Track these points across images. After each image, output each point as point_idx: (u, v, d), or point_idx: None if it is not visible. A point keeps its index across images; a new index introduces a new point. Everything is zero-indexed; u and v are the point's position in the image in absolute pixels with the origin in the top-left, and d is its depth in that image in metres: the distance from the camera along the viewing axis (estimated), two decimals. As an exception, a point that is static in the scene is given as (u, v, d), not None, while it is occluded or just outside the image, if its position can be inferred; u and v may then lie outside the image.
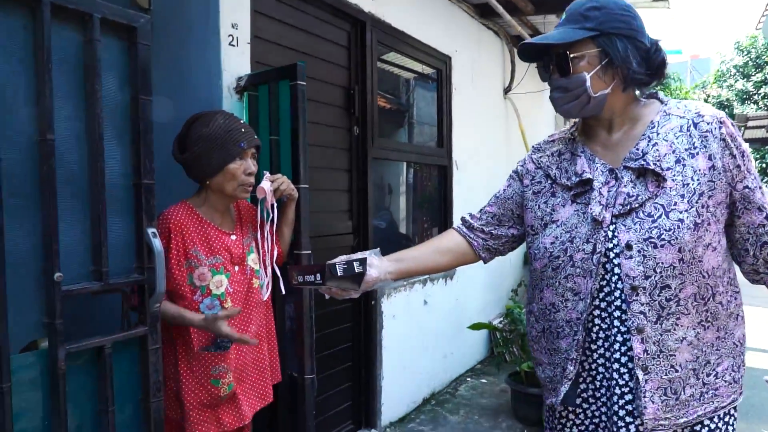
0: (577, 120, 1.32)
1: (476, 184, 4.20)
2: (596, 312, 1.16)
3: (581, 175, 1.19)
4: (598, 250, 1.14)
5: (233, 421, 1.64)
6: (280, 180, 1.77)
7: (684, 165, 1.11)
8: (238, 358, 1.69)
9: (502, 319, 4.11)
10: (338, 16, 2.80)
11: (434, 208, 3.95)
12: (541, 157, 1.30)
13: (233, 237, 1.72)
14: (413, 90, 3.83)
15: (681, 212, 1.09)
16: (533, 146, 1.36)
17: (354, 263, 1.23)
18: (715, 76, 20.01)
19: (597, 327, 1.17)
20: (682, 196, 1.10)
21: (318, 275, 1.25)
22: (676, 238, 1.08)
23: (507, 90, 4.74)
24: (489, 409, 3.46)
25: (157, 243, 1.39)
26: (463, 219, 1.42)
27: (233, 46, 2.08)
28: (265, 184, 1.72)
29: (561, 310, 1.20)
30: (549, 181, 1.26)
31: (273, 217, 1.78)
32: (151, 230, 1.39)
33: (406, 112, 3.77)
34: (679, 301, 1.10)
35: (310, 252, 1.93)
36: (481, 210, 1.41)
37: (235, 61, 2.09)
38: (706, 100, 20.00)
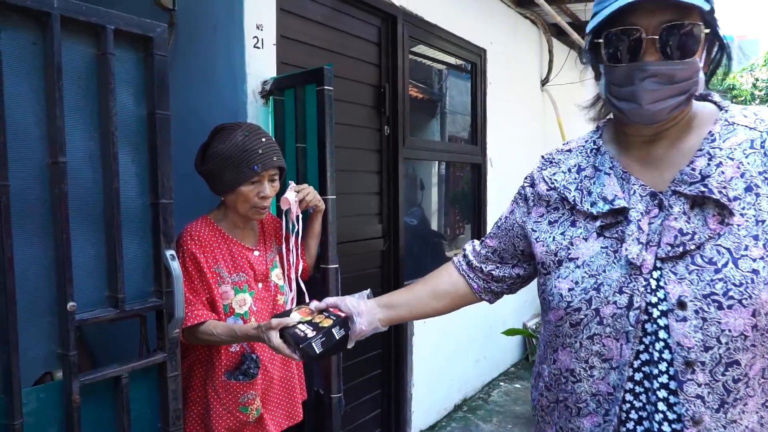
0: (601, 121, 1.04)
1: (511, 183, 4.04)
2: (628, 385, 0.88)
3: (612, 202, 0.90)
4: (636, 305, 0.85)
5: (257, 444, 1.58)
6: (306, 190, 1.68)
7: (758, 195, 0.83)
8: (265, 377, 1.61)
9: (537, 319, 3.96)
10: (368, 11, 2.68)
11: (467, 206, 3.81)
12: (554, 173, 1.01)
13: (256, 253, 1.64)
14: (446, 83, 3.68)
15: (755, 260, 0.81)
16: (543, 158, 1.06)
17: (333, 331, 1.11)
18: (765, 59, 19.04)
19: (629, 407, 0.88)
20: (756, 237, 0.82)
21: (296, 353, 1.15)
22: (750, 297, 0.79)
23: (544, 82, 4.54)
24: (522, 417, 3.34)
25: (175, 266, 1.32)
26: (463, 253, 1.18)
27: (258, 48, 1.99)
28: (290, 195, 1.64)
29: (583, 380, 0.92)
30: (566, 207, 0.98)
31: (298, 230, 1.69)
32: (169, 252, 1.32)
33: (438, 104, 3.63)
34: (748, 382, 0.82)
35: (337, 266, 1.84)
36: (482, 241, 1.16)
37: (261, 64, 2.00)
38: (754, 84, 19.11)
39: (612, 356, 0.88)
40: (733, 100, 11.79)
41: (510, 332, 3.36)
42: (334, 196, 1.82)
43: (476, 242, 1.18)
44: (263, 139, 1.58)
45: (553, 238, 0.97)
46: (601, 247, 0.90)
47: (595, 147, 0.99)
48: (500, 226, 1.11)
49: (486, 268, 1.14)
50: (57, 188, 1.14)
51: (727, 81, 13.38)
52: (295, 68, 2.15)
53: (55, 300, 1.15)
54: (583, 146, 1.02)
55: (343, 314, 1.14)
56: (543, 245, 0.98)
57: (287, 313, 1.24)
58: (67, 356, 1.15)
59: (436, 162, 3.56)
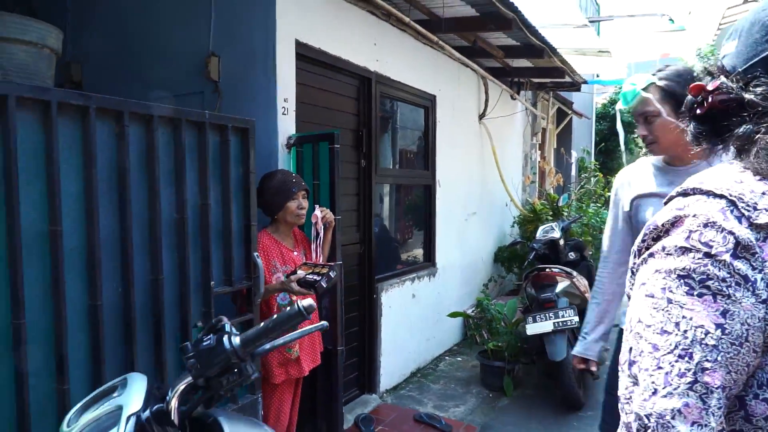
0: None
1: (455, 198, 5.09)
2: None
3: None
4: None
5: (296, 373, 2.51)
6: (326, 211, 2.62)
7: None
8: (296, 335, 2.54)
9: (474, 308, 5.01)
10: (350, 75, 3.63)
11: (420, 218, 4.82)
12: None
13: (295, 253, 2.57)
14: (406, 122, 4.68)
15: None
16: (745, 207, 0.71)
17: (330, 273, 2.27)
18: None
19: None
20: None
21: (312, 290, 2.15)
22: None
23: (481, 116, 5.63)
24: (463, 380, 4.37)
25: (259, 261, 2.23)
26: None
27: (285, 114, 2.90)
28: (318, 212, 2.58)
29: None
30: None
31: (320, 236, 2.63)
32: (255, 253, 2.23)
33: (399, 139, 4.62)
34: None
35: (341, 262, 2.78)
36: (706, 406, 0.66)
37: (286, 125, 2.92)
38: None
39: None
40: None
41: (454, 315, 4.38)
42: (340, 217, 2.77)
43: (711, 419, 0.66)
44: (293, 175, 2.53)
45: None
46: None
47: None
48: (720, 347, 0.67)
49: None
50: (203, 221, 2.03)
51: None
52: (306, 122, 3.08)
53: (202, 281, 2.04)
54: None
55: (332, 264, 2.11)
56: None
57: (295, 271, 2.21)
58: (209, 312, 2.04)
59: (396, 186, 4.55)
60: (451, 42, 4.63)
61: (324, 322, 1.12)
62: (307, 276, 2.29)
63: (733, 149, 0.81)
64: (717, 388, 0.66)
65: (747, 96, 0.77)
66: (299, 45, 3.01)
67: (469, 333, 5.13)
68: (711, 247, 0.69)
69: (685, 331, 0.68)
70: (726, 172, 0.78)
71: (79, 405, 0.95)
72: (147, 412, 0.86)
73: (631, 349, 0.74)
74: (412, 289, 4.41)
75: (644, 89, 1.79)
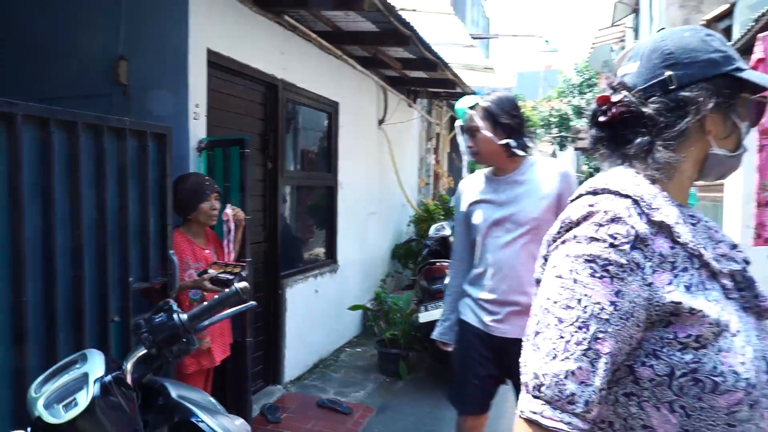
0: (657, 172, 0.90)
1: (356, 199, 5.42)
2: None
3: (735, 258, 0.88)
4: None
5: (208, 363, 2.68)
6: (237, 210, 2.82)
7: None
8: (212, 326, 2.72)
9: (373, 301, 5.37)
10: (258, 82, 3.82)
11: (323, 218, 5.09)
12: (676, 223, 0.84)
13: (207, 251, 2.74)
14: (311, 127, 4.92)
15: None
16: (646, 206, 0.85)
17: (242, 273, 2.48)
18: (558, 92, 23.34)
19: None
20: None
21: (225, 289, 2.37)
22: None
23: (381, 122, 6.01)
24: (362, 368, 4.71)
25: (175, 259, 2.39)
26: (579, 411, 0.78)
27: (196, 119, 3.05)
28: (229, 211, 2.77)
29: None
30: (697, 265, 0.84)
31: (231, 233, 2.82)
32: (171, 251, 2.39)
33: (304, 142, 4.85)
34: None
35: (250, 259, 2.99)
36: (594, 369, 0.78)
37: (198, 129, 3.06)
38: (551, 113, 23.20)
39: None
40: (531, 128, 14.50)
41: (354, 308, 4.71)
42: (250, 216, 2.97)
43: (574, 395, 0.78)
44: (206, 178, 2.71)
45: (707, 305, 0.80)
46: (736, 309, 0.84)
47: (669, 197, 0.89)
48: (612, 321, 0.79)
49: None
50: (122, 220, 2.16)
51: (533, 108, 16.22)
52: (216, 127, 3.23)
53: (121, 278, 2.17)
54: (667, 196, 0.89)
55: (243, 263, 2.34)
56: (695, 316, 0.79)
57: (206, 271, 2.42)
58: (127, 306, 2.18)
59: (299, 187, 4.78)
60: (354, 52, 4.94)
61: (253, 302, 1.36)
62: (220, 275, 2.49)
63: (621, 156, 0.95)
64: (606, 354, 0.79)
65: (645, 110, 0.90)
66: (210, 53, 3.16)
67: (368, 325, 5.49)
68: (615, 238, 0.82)
69: (585, 307, 0.80)
70: (625, 176, 0.90)
71: (42, 376, 1.12)
72: (109, 377, 1.06)
73: (538, 321, 0.84)
74: (315, 284, 4.67)
75: (471, 108, 2.20)
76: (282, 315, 4.13)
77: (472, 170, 9.69)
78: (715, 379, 0.78)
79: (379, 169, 6.02)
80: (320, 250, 5.06)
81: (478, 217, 2.22)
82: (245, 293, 1.23)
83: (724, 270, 0.85)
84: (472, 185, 2.31)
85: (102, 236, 2.07)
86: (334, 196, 5.05)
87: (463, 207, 2.31)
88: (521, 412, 0.82)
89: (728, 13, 4.15)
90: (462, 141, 2.34)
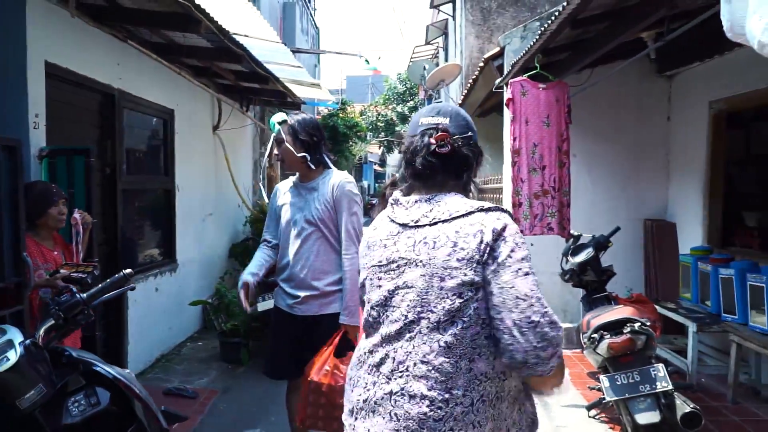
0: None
1: (193, 201, 5.70)
2: None
3: None
4: None
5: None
6: (84, 214, 3.07)
7: None
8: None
9: (213, 297, 5.71)
10: (97, 92, 3.99)
11: (161, 219, 5.29)
12: None
13: (55, 252, 2.96)
14: (146, 134, 5.10)
15: None
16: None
17: (94, 272, 2.73)
18: (384, 99, 25.15)
19: None
20: None
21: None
22: None
23: (215, 128, 6.33)
24: (204, 359, 5.05)
25: (29, 261, 2.61)
26: None
27: (36, 129, 3.20)
28: (77, 215, 3.02)
29: None
30: None
31: (79, 236, 3.06)
32: (24, 254, 2.61)
33: (143, 147, 5.02)
34: None
35: (97, 259, 3.24)
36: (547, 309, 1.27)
37: (37, 138, 3.21)
38: (377, 117, 24.86)
39: None
40: (358, 134, 15.67)
41: (195, 303, 5.02)
42: (96, 220, 3.23)
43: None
44: (53, 186, 2.94)
45: None
46: None
47: None
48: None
49: None
50: (-20, 224, 2.36)
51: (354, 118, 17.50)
52: (56, 135, 3.39)
53: (-23, 278, 2.36)
54: None
55: (95, 263, 2.69)
56: None
57: (58, 270, 2.73)
58: (-14, 304, 2.38)
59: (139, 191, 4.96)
60: (190, 62, 5.24)
61: (133, 285, 1.80)
62: (72, 274, 2.74)
63: (454, 186, 1.35)
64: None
65: (465, 152, 1.33)
66: (48, 65, 3.32)
67: (209, 319, 5.81)
68: (524, 242, 1.28)
69: (538, 286, 1.26)
70: (471, 199, 1.37)
71: None
72: (28, 341, 1.43)
73: (528, 296, 1.22)
74: (155, 283, 4.90)
75: (280, 123, 2.74)
76: (124, 313, 4.32)
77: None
78: None
79: (215, 172, 6.34)
80: (159, 251, 5.27)
81: (284, 216, 2.76)
82: (130, 277, 1.68)
83: None
84: (284, 188, 2.85)
85: (-40, 241, 2.26)
86: (172, 198, 5.29)
87: (274, 205, 2.85)
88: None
89: (501, 54, 5.33)
90: (274, 150, 2.85)
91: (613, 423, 3.54)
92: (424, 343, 1.24)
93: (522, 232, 4.44)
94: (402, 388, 1.25)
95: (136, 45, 4.31)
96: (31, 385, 1.39)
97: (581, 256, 3.77)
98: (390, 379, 1.27)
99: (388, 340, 1.29)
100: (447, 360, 1.22)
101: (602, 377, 2.89)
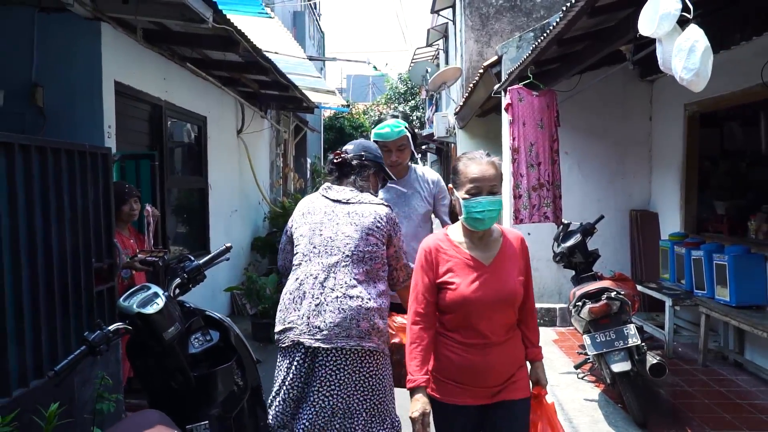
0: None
1: (222, 198, 6.32)
2: None
3: None
4: None
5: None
6: (154, 208, 3.68)
7: None
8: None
9: (245, 282, 6.31)
10: (145, 102, 4.59)
11: (197, 216, 5.90)
12: None
13: (131, 240, 3.57)
14: (186, 138, 5.70)
15: None
16: None
17: (165, 256, 3.35)
18: (386, 98, 25.70)
19: None
20: None
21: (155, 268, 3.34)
22: None
23: (239, 132, 6.93)
24: (238, 339, 5.65)
25: (119, 245, 3.22)
26: None
27: (109, 137, 3.80)
28: (149, 208, 3.64)
29: None
30: None
31: (151, 226, 3.67)
32: (115, 240, 3.22)
33: (183, 152, 5.63)
34: None
35: (168, 244, 3.85)
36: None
37: (110, 145, 3.81)
38: (380, 116, 25.37)
39: None
40: (363, 134, 16.24)
41: (229, 289, 5.64)
42: (159, 213, 3.83)
43: None
44: (127, 185, 3.56)
45: None
46: None
47: None
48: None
49: None
50: (83, 223, 2.97)
51: (359, 118, 17.99)
52: (121, 142, 4.00)
53: (86, 260, 2.97)
54: None
55: (165, 249, 3.31)
56: None
57: (136, 255, 3.34)
58: (90, 280, 2.99)
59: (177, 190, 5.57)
60: (219, 73, 5.84)
61: (229, 243, 2.41)
62: (148, 258, 3.37)
63: (352, 183, 2.33)
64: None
65: (354, 163, 2.33)
66: (116, 83, 3.93)
67: (237, 305, 6.43)
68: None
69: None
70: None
71: (122, 297, 2.01)
72: (167, 293, 2.03)
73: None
74: (194, 272, 5.49)
75: (400, 130, 2.70)
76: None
77: (314, 172, 10.95)
78: None
79: (239, 172, 6.94)
80: (196, 242, 5.88)
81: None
82: (229, 249, 2.28)
83: None
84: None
85: (74, 231, 2.87)
86: (206, 196, 5.90)
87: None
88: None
89: (498, 62, 5.93)
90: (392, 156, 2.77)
91: (599, 382, 4.15)
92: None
93: (522, 220, 5.15)
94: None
95: (178, 61, 4.91)
96: (171, 323, 1.97)
97: (570, 241, 4.37)
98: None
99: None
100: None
101: (584, 336, 3.49)
